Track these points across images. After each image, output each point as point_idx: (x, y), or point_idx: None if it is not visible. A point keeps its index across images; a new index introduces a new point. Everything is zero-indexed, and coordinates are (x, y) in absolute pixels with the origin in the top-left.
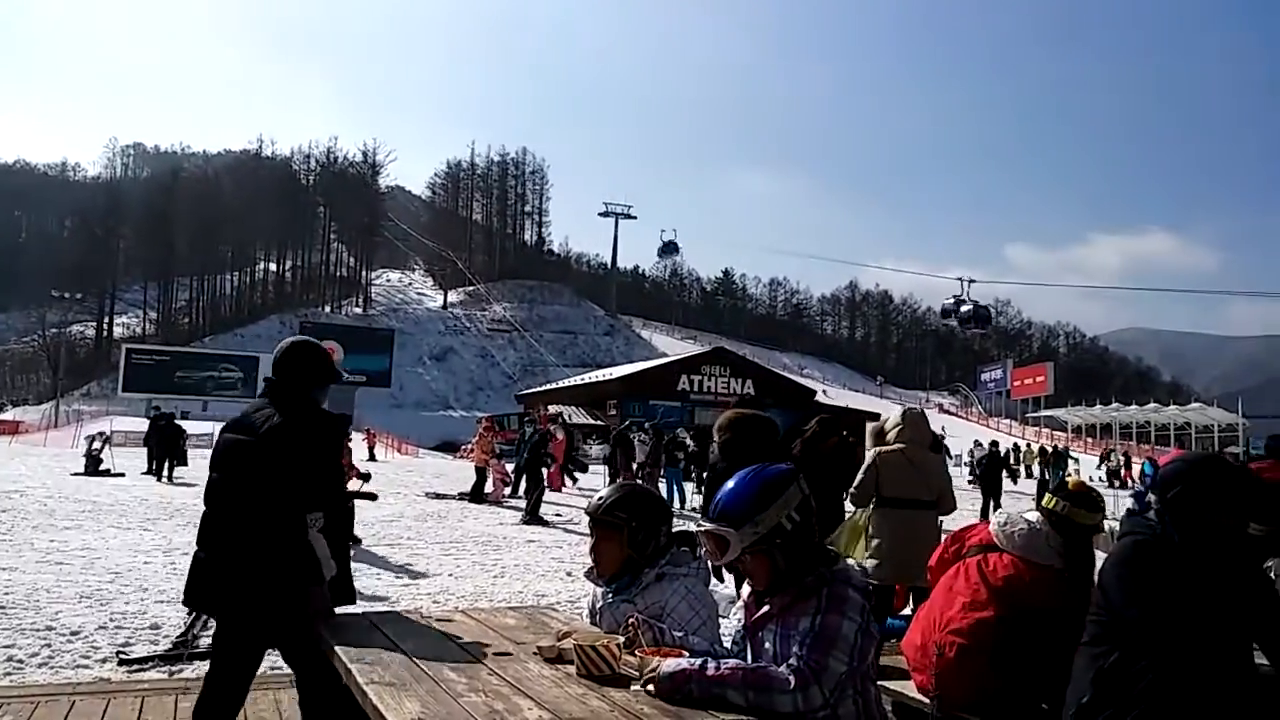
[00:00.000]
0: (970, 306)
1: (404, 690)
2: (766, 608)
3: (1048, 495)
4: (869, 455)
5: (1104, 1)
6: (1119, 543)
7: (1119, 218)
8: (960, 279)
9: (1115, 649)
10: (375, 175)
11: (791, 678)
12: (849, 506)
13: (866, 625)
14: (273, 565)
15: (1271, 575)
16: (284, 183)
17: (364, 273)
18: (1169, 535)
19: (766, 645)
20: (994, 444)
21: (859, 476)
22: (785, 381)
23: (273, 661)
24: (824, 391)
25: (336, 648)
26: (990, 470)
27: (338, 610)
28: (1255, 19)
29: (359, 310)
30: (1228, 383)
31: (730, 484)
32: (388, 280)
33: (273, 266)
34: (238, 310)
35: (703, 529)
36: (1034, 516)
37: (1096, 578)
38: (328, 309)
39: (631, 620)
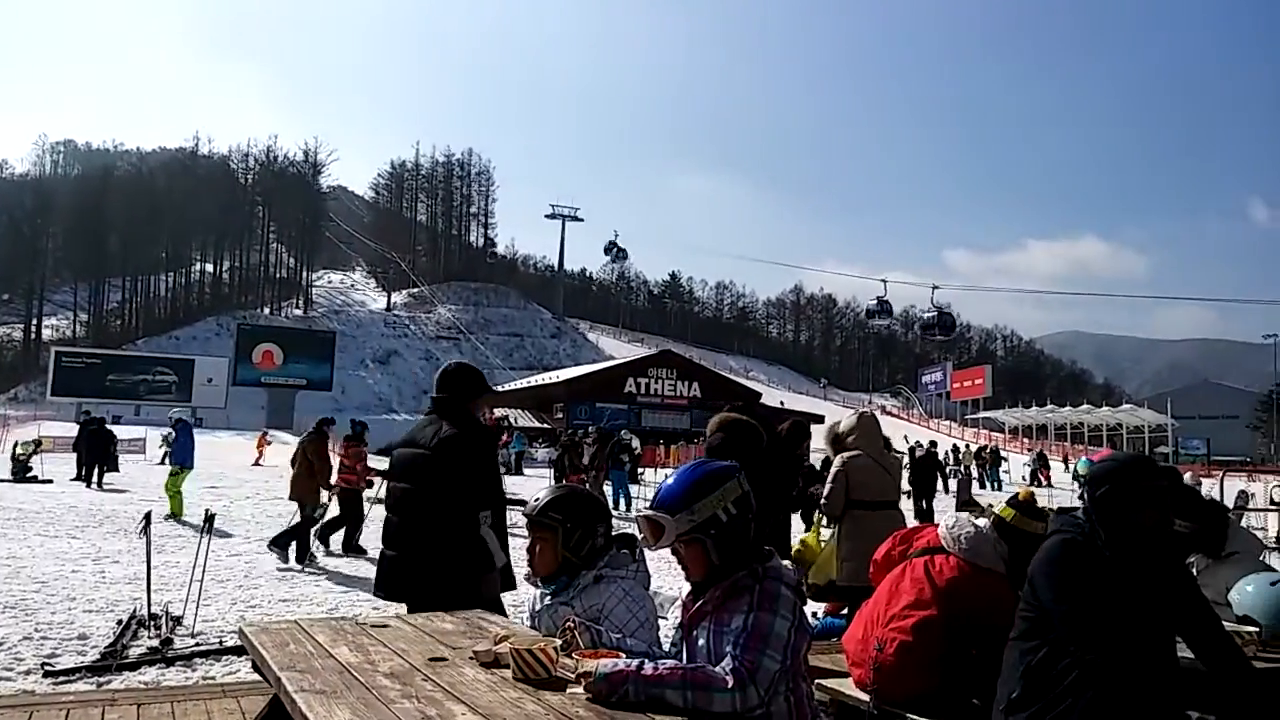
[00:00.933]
0: (934, 313)
1: (334, 698)
2: (701, 603)
3: (1002, 504)
4: (836, 462)
5: (1035, 14)
6: (1048, 540)
7: (1053, 224)
8: (884, 280)
9: (1044, 644)
10: (316, 175)
11: (729, 677)
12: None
13: (799, 623)
14: (453, 558)
15: (1194, 571)
16: (221, 182)
17: (304, 274)
18: (1096, 533)
19: (701, 643)
20: (932, 444)
21: (829, 485)
22: (731, 384)
23: (205, 671)
24: (781, 402)
25: (266, 655)
26: (925, 471)
27: (502, 594)
28: (1185, 30)
29: (299, 312)
30: (1158, 384)
31: (673, 475)
32: (329, 282)
33: (209, 267)
34: (172, 312)
35: (641, 514)
36: (983, 522)
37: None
38: (266, 311)
39: (568, 623)
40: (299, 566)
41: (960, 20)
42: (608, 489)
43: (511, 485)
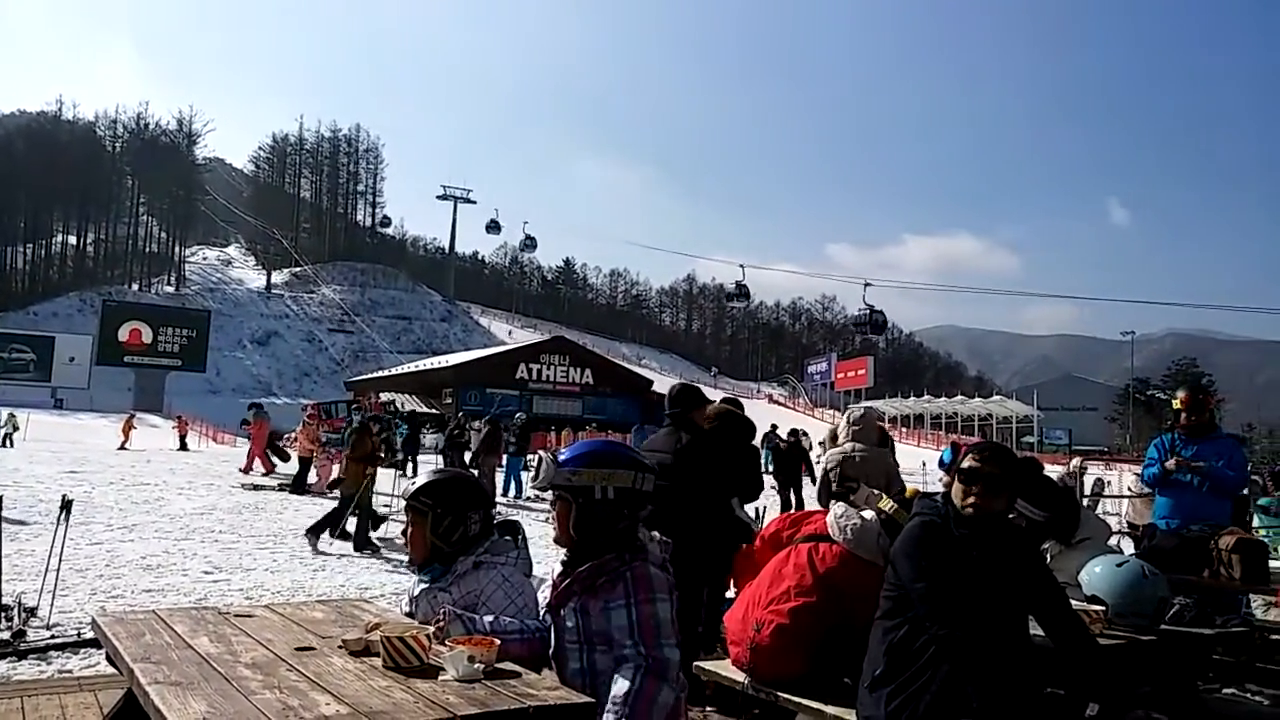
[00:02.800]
0: (866, 310)
1: (190, 689)
2: (568, 583)
3: (885, 499)
4: (826, 456)
5: (914, 21)
6: (909, 523)
7: (929, 220)
8: (742, 266)
9: (905, 622)
10: (191, 145)
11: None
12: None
13: (674, 598)
14: (713, 534)
15: (1048, 556)
16: (87, 149)
17: (177, 249)
18: (950, 515)
19: (570, 624)
20: (794, 432)
21: (819, 477)
22: (622, 371)
23: (61, 664)
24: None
25: (120, 647)
26: (789, 461)
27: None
28: (1053, 40)
29: (171, 289)
30: (1025, 378)
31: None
32: (204, 258)
33: (72, 240)
34: (31, 286)
35: (542, 454)
36: (869, 515)
37: (891, 556)
38: (135, 287)
39: (443, 611)
40: (359, 553)
41: (843, 24)
42: (501, 477)
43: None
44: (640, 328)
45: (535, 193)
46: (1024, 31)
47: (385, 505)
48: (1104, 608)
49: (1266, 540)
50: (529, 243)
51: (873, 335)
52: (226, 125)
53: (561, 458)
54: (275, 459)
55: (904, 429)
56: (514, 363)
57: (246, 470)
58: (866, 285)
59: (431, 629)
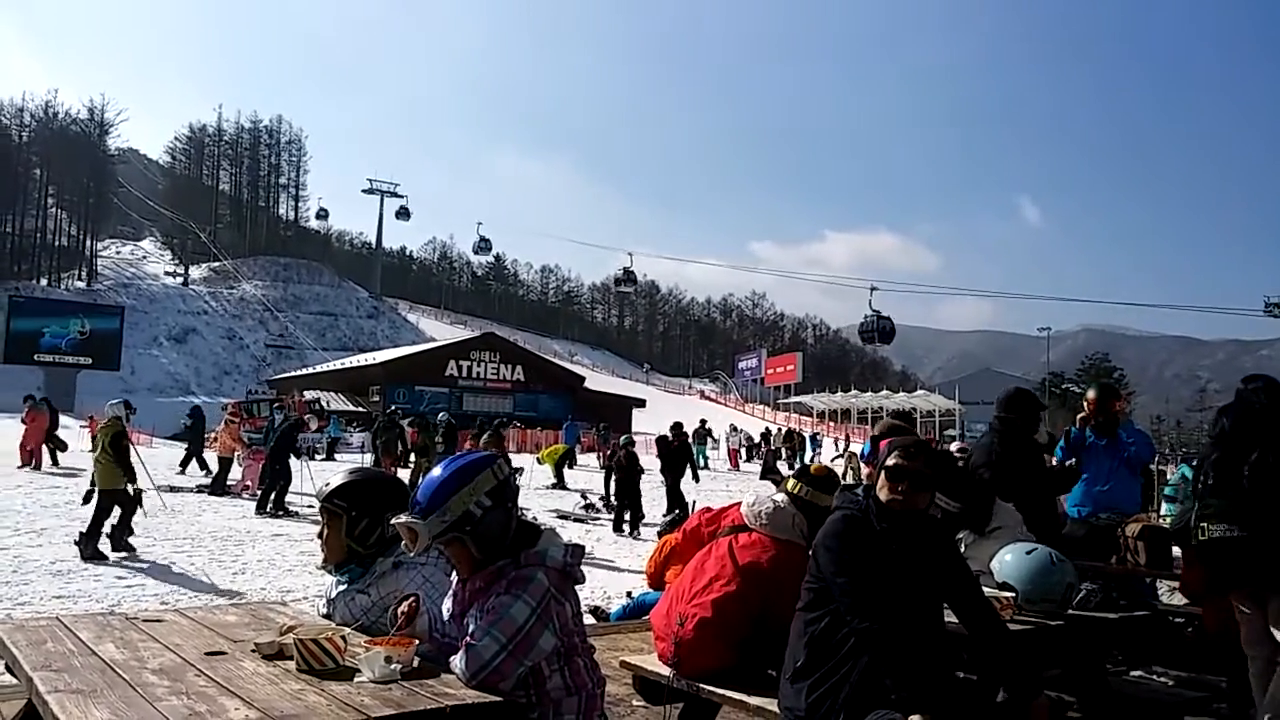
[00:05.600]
0: (872, 315)
1: (93, 697)
2: (465, 594)
3: (791, 479)
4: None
5: (834, 22)
6: (830, 516)
7: (850, 217)
8: (630, 254)
9: (826, 614)
10: (104, 135)
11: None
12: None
13: (542, 608)
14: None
15: (963, 545)
16: None
17: (89, 243)
18: (871, 508)
19: (471, 628)
20: (676, 425)
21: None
22: (554, 368)
23: None
24: (587, 385)
25: (19, 655)
26: (677, 454)
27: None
28: (956, 45)
29: (82, 284)
30: (947, 372)
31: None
32: (117, 252)
33: None
34: None
35: (396, 522)
36: (781, 497)
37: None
38: (44, 282)
39: (413, 599)
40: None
41: (768, 24)
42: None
43: (323, 471)
44: (572, 324)
45: (465, 189)
46: (937, 36)
47: (307, 506)
48: (1014, 594)
49: (1168, 526)
50: (483, 244)
51: (880, 343)
52: (141, 116)
53: (419, 509)
54: (56, 452)
55: (831, 423)
56: (443, 359)
57: (28, 464)
58: (873, 289)
59: (346, 630)
